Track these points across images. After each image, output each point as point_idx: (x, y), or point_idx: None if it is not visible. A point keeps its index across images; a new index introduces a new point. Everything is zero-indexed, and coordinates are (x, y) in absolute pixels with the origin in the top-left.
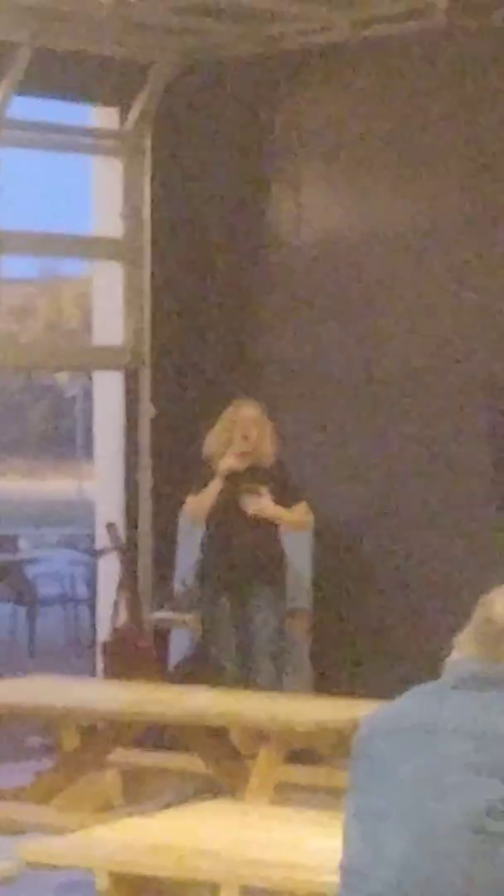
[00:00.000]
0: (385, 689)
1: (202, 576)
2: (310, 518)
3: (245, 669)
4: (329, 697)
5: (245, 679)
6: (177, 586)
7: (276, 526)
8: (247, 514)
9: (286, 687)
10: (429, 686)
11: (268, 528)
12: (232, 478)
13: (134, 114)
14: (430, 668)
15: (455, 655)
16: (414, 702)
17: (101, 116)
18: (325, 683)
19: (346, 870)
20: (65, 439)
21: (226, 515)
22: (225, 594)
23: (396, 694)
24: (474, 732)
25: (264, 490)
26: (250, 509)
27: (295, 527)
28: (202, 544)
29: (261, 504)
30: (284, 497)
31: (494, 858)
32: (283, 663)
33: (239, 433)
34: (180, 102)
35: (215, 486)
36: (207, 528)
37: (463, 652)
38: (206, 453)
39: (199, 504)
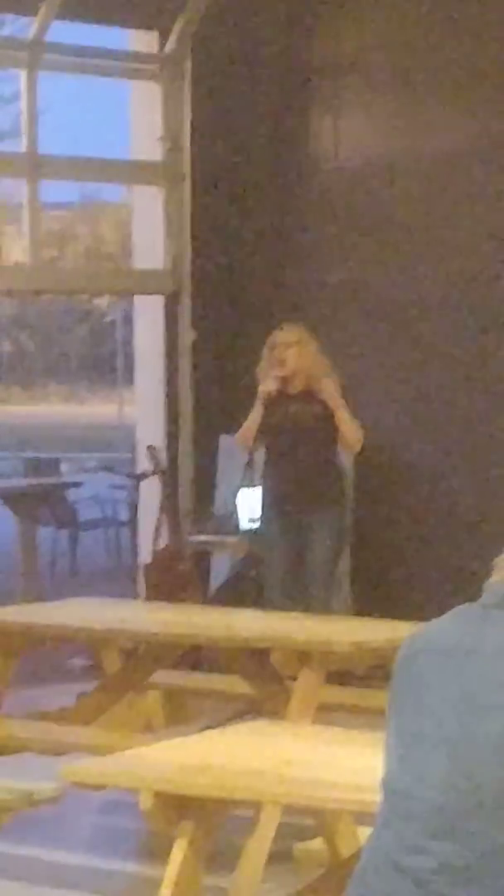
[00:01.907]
0: (424, 611)
1: (261, 499)
2: (361, 435)
3: (296, 592)
4: (369, 619)
5: (292, 602)
6: (218, 510)
7: (334, 446)
8: (303, 434)
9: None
10: (469, 607)
11: (326, 449)
12: (284, 401)
13: (173, 38)
14: (470, 589)
15: (495, 577)
16: (454, 623)
17: (140, 40)
18: (364, 605)
19: (388, 789)
20: (105, 364)
21: (282, 438)
22: (282, 517)
23: (436, 615)
24: None
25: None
26: (282, 373)
27: (351, 438)
28: (264, 467)
29: (328, 392)
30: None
31: None
32: (335, 586)
33: (277, 358)
34: (219, 26)
35: (257, 411)
36: (266, 451)
37: (502, 573)
38: (257, 379)
39: (244, 429)
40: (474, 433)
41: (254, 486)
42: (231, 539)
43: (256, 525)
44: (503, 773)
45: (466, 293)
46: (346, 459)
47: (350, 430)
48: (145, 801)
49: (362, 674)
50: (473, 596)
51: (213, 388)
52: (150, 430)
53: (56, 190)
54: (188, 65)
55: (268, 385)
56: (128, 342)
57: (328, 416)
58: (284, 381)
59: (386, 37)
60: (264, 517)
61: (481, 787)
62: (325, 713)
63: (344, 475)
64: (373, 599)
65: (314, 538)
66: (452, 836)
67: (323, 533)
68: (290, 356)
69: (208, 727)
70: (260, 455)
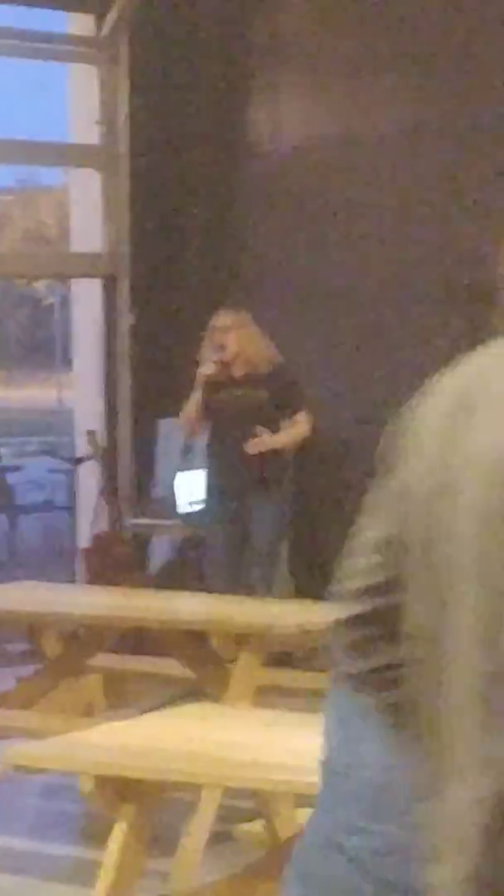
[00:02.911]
0: None
1: (206, 482)
2: (307, 428)
3: (237, 575)
4: (308, 601)
5: (233, 585)
6: (157, 493)
7: (277, 430)
8: (247, 418)
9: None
10: None
11: (268, 433)
12: (227, 385)
13: (110, 20)
14: None
15: None
16: None
17: (77, 23)
18: (305, 589)
19: (326, 768)
20: (44, 348)
21: (224, 423)
22: (225, 500)
23: None
24: None
25: (261, 429)
26: (251, 450)
27: (297, 442)
28: (207, 451)
29: (260, 444)
30: (282, 405)
31: None
32: (276, 570)
33: (216, 342)
34: (157, 9)
35: (196, 395)
36: (209, 435)
37: None
38: (198, 363)
39: (184, 413)
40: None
41: (192, 469)
42: (170, 522)
43: (195, 508)
44: None
45: (408, 276)
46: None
47: (297, 443)
48: (85, 785)
49: (302, 656)
50: None
51: (152, 371)
52: (88, 414)
53: None
54: (125, 48)
55: (206, 369)
56: (66, 326)
57: (272, 400)
58: (225, 365)
59: (325, 19)
60: (207, 501)
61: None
62: (265, 696)
63: (287, 459)
64: (312, 581)
65: (257, 522)
66: (392, 815)
67: (265, 516)
68: (230, 340)
69: (148, 710)
70: (200, 439)
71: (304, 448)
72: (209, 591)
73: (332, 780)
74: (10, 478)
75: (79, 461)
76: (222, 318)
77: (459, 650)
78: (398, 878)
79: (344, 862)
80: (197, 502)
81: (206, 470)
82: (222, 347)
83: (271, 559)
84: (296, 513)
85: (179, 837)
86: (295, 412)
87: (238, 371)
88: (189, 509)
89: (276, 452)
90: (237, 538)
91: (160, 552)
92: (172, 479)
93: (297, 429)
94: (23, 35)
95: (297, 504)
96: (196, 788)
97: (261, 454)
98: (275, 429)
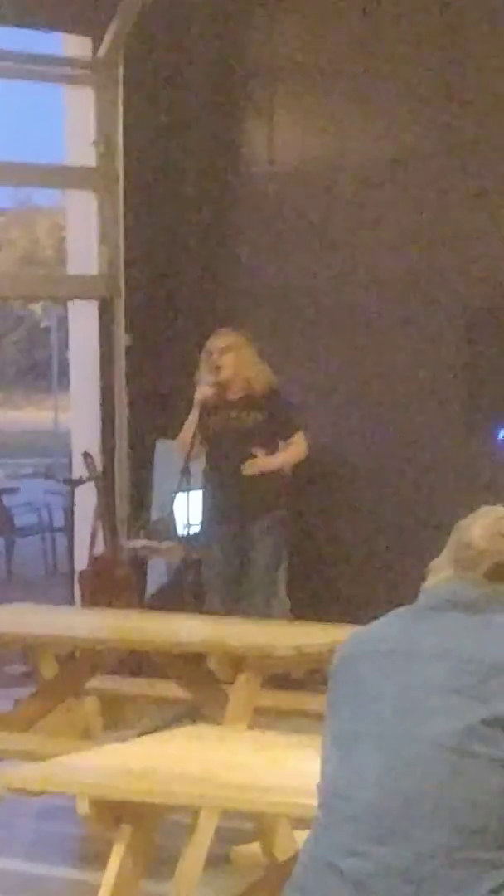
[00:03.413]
0: (361, 616)
1: (203, 505)
2: (304, 449)
3: (235, 597)
4: (306, 623)
5: (231, 607)
6: (154, 515)
7: (275, 451)
8: (244, 440)
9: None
10: (406, 609)
11: (266, 455)
12: (224, 407)
13: (106, 42)
14: (407, 593)
15: (431, 580)
16: (391, 625)
17: (73, 45)
18: (302, 611)
19: (324, 791)
20: (40, 370)
21: (222, 445)
22: (224, 523)
23: (373, 620)
24: (451, 655)
25: (258, 451)
26: (248, 472)
27: (294, 463)
28: (204, 473)
29: (257, 466)
30: (279, 427)
31: (473, 779)
32: (274, 592)
33: (212, 365)
34: (152, 30)
35: (193, 417)
36: (206, 457)
37: (439, 576)
38: (195, 385)
39: (181, 436)
40: (411, 437)
41: (190, 491)
42: (168, 544)
43: (193, 530)
44: (440, 775)
45: (401, 297)
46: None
47: (294, 463)
48: (83, 807)
49: (300, 678)
50: (410, 600)
51: (149, 392)
52: (85, 435)
53: None
54: (121, 69)
55: (202, 391)
56: (63, 348)
57: (268, 422)
58: (222, 387)
59: (319, 40)
60: (205, 523)
61: (420, 790)
62: (263, 717)
63: (285, 481)
64: (309, 604)
65: (255, 544)
66: (390, 838)
67: (264, 539)
68: (226, 362)
69: (146, 732)
70: (199, 461)
71: (301, 469)
72: (207, 613)
73: (330, 803)
74: (7, 500)
75: (76, 483)
76: (218, 340)
77: None
78: None
79: (341, 884)
80: (195, 524)
81: (204, 492)
82: (218, 369)
83: (269, 581)
84: (293, 535)
85: (177, 859)
86: (292, 433)
87: (234, 393)
88: (187, 531)
89: (273, 474)
90: (235, 560)
91: (157, 574)
92: (170, 500)
93: (293, 450)
94: (19, 57)
95: (295, 526)
96: (194, 810)
97: (258, 476)
98: (272, 450)
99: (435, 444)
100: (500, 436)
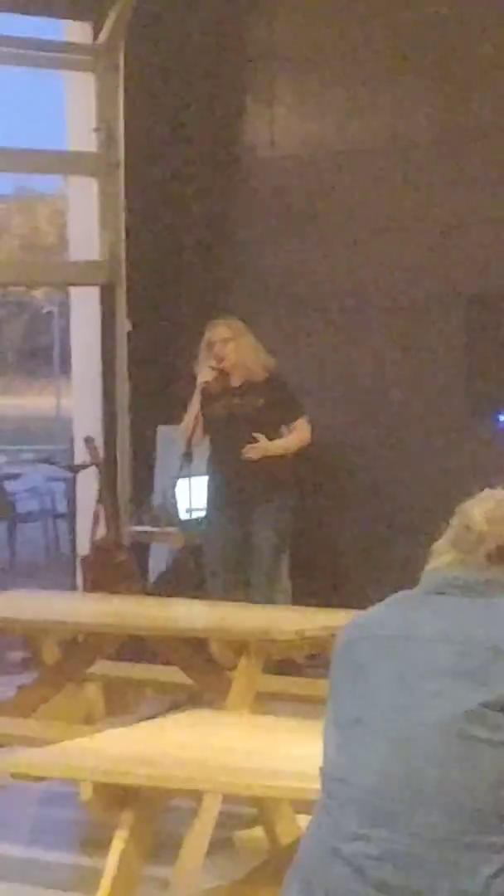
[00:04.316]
0: (363, 600)
1: (207, 491)
2: (307, 435)
3: (237, 582)
4: (308, 608)
5: (233, 592)
6: (156, 501)
7: (277, 437)
8: (246, 426)
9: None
10: (407, 593)
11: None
12: (226, 394)
13: (107, 28)
14: (409, 577)
15: (433, 563)
16: (392, 609)
17: (74, 31)
18: (304, 597)
19: (326, 775)
20: (42, 356)
21: (225, 431)
22: (228, 508)
23: (374, 604)
24: (453, 638)
25: (260, 437)
26: (249, 455)
27: (298, 449)
28: (207, 459)
29: (258, 449)
30: (281, 413)
31: (474, 763)
32: (277, 577)
33: (213, 354)
34: (153, 16)
35: (195, 403)
36: (210, 443)
37: (441, 560)
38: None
39: (184, 422)
40: (411, 424)
41: (192, 476)
42: (170, 530)
43: (194, 515)
44: (442, 759)
45: (404, 283)
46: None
47: (297, 449)
48: (85, 793)
49: (302, 662)
50: (412, 584)
51: (151, 378)
52: (87, 421)
53: None
54: (122, 55)
55: (204, 377)
56: (65, 334)
57: (270, 408)
58: (223, 374)
59: (320, 28)
60: (208, 509)
61: (421, 773)
62: (265, 702)
63: (288, 467)
64: (312, 589)
65: (259, 530)
66: (392, 822)
67: (267, 524)
68: (227, 351)
69: (148, 718)
70: (201, 447)
71: (304, 456)
72: (208, 598)
73: (332, 787)
74: (9, 486)
75: (77, 469)
76: (218, 330)
77: None
78: (398, 883)
79: (344, 867)
80: (197, 509)
81: (207, 478)
82: (219, 358)
83: (272, 567)
84: (296, 520)
85: (180, 845)
86: (294, 419)
87: (235, 380)
88: (189, 517)
89: (277, 459)
90: (237, 546)
91: (159, 559)
92: (172, 486)
93: (297, 435)
94: (20, 43)
95: (298, 512)
96: (196, 795)
97: (261, 462)
98: (275, 436)
99: (436, 429)
100: (501, 420)
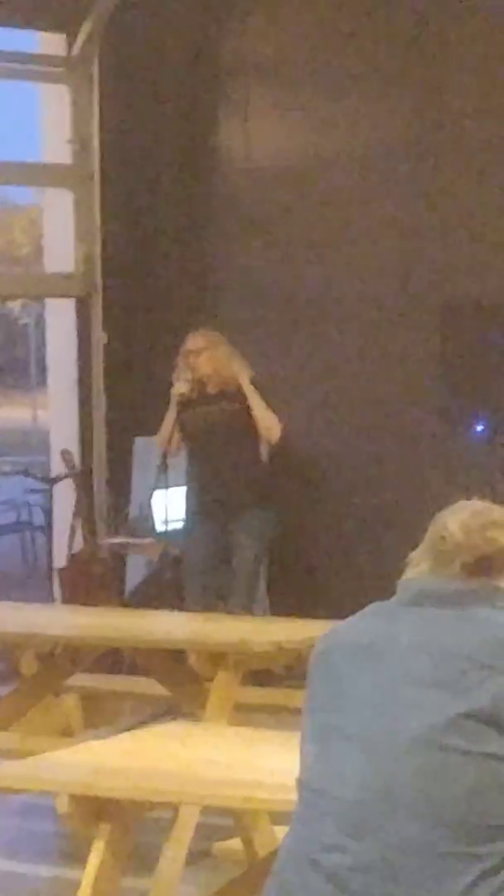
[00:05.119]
0: (340, 611)
1: (186, 501)
2: (276, 423)
3: (216, 593)
4: (286, 619)
5: (211, 603)
6: (133, 512)
7: (256, 445)
8: (223, 434)
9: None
10: (383, 604)
11: (247, 450)
12: (202, 403)
13: (80, 40)
14: (384, 587)
15: (409, 573)
16: (369, 620)
17: (47, 43)
18: (282, 608)
19: (304, 786)
20: (18, 368)
21: (202, 441)
22: (207, 519)
23: (351, 614)
24: (430, 649)
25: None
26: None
27: (265, 425)
28: (187, 469)
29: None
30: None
31: (452, 773)
32: (256, 588)
33: (189, 365)
34: (127, 27)
35: (171, 414)
36: (188, 454)
37: (416, 570)
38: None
39: (160, 433)
40: (388, 430)
41: (168, 487)
42: (147, 541)
43: (171, 527)
44: (420, 770)
45: (377, 291)
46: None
47: (265, 418)
48: (62, 805)
49: (280, 673)
50: (388, 594)
51: (127, 390)
52: (63, 433)
53: None
54: (96, 67)
55: (179, 387)
56: (41, 346)
57: (246, 415)
58: (199, 383)
59: (295, 36)
60: (188, 518)
61: (397, 783)
62: (243, 713)
63: (267, 474)
64: (289, 599)
65: (238, 539)
66: (369, 832)
67: (246, 534)
68: (202, 362)
69: (126, 730)
70: (178, 457)
71: (279, 464)
72: (186, 609)
73: (309, 798)
74: None
75: (54, 481)
76: (194, 341)
77: None
78: (377, 893)
79: (322, 879)
80: (173, 521)
81: (187, 488)
82: (195, 370)
83: (250, 577)
84: (275, 530)
85: (158, 857)
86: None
87: (211, 388)
88: (165, 528)
89: (256, 468)
90: (216, 556)
91: (137, 571)
92: (148, 497)
93: (270, 414)
94: None
95: (276, 521)
96: (174, 807)
97: (240, 471)
98: (252, 443)
99: (413, 439)
100: (478, 429)
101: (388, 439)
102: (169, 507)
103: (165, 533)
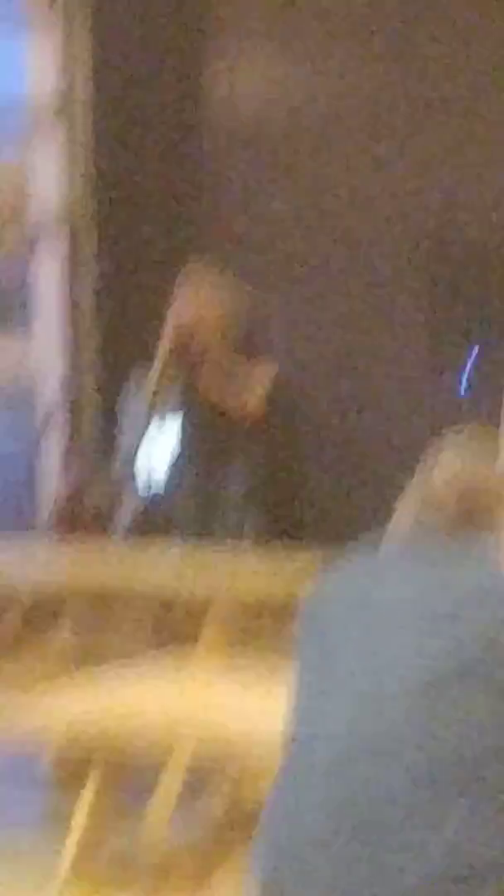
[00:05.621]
0: (329, 543)
1: (173, 446)
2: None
3: (206, 527)
4: (276, 552)
5: (202, 537)
6: (119, 463)
7: (245, 380)
8: (216, 371)
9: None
10: (370, 559)
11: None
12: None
13: None
14: (372, 523)
15: (394, 526)
16: (354, 575)
17: None
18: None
19: (292, 741)
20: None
21: (195, 377)
22: (194, 464)
23: (340, 549)
24: (417, 604)
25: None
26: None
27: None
28: (178, 406)
29: None
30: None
31: (442, 728)
32: (245, 522)
33: (174, 336)
34: None
35: (165, 345)
36: (181, 390)
37: (403, 520)
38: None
39: (149, 375)
40: (379, 377)
41: (158, 428)
42: (134, 485)
43: (160, 471)
44: (409, 726)
45: (366, 240)
46: None
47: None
48: (55, 746)
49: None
50: (375, 531)
51: (118, 336)
52: (51, 374)
53: None
54: (85, 16)
55: (165, 344)
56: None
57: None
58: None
59: None
60: (175, 464)
61: (389, 738)
62: (235, 660)
63: (258, 420)
64: (276, 530)
65: (227, 477)
66: (357, 789)
67: (236, 472)
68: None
69: (117, 674)
70: (168, 400)
71: (272, 408)
72: (177, 544)
73: (296, 753)
74: None
75: (45, 417)
76: (180, 309)
77: None
78: (364, 849)
79: (307, 834)
80: (162, 465)
81: (176, 432)
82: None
83: (239, 516)
84: (264, 471)
85: (145, 809)
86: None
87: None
88: (152, 473)
89: (244, 413)
90: (205, 494)
91: (127, 506)
92: (137, 440)
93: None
94: None
95: (266, 463)
96: (163, 754)
97: (230, 412)
98: (243, 380)
99: (403, 381)
100: (463, 386)
101: (380, 382)
102: (157, 451)
103: (152, 478)
